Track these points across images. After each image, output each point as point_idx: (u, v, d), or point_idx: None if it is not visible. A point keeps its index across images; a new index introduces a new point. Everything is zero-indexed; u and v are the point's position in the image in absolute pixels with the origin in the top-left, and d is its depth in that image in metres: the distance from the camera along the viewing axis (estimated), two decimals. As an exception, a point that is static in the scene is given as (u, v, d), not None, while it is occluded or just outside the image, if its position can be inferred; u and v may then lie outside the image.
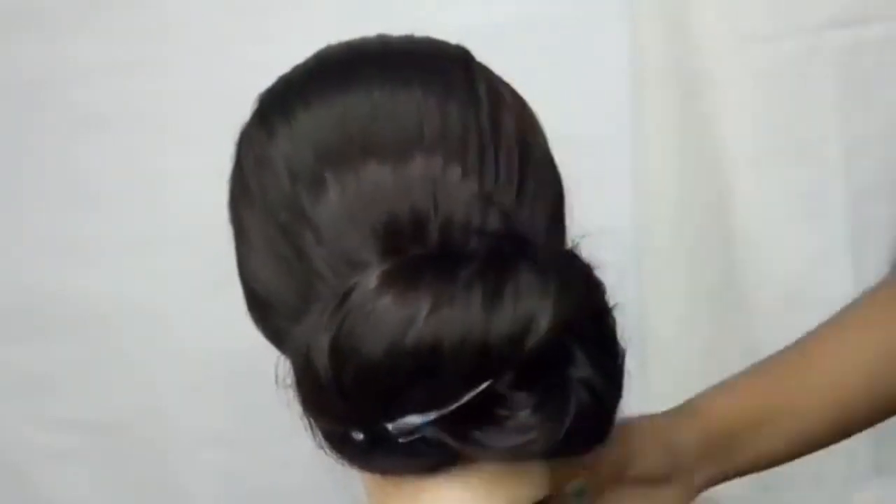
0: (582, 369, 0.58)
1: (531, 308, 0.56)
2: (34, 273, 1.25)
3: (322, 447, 0.61)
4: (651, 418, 0.82)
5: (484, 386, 0.58)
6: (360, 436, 0.60)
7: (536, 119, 0.66)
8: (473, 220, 0.59)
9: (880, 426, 1.17)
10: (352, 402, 0.58)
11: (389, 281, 0.56)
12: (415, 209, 0.59)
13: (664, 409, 0.84)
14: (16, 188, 1.25)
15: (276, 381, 0.61)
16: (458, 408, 0.58)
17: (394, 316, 0.56)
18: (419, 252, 0.58)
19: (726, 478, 0.85)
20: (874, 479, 1.19)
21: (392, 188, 0.59)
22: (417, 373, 0.57)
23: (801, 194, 1.17)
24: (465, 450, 0.59)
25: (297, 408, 0.60)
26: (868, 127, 1.16)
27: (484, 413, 0.58)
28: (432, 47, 0.65)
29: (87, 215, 1.23)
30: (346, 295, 0.57)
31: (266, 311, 0.64)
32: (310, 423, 0.61)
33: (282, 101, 0.64)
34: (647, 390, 1.19)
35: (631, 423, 0.80)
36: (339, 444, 0.61)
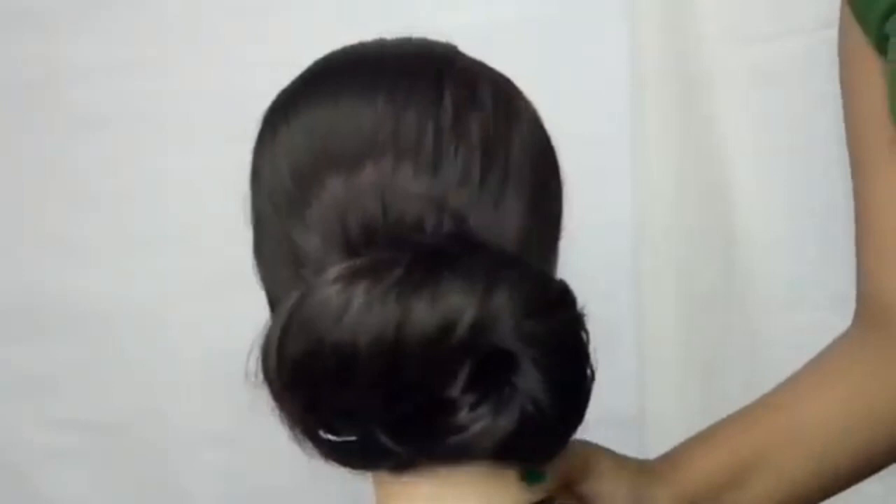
0: (528, 380, 0.58)
1: (451, 308, 0.57)
2: (34, 273, 1.25)
3: (295, 441, 0.62)
4: (625, 457, 0.79)
5: (422, 387, 0.58)
6: (326, 434, 0.60)
7: (527, 117, 0.65)
8: (425, 221, 0.60)
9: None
10: (291, 398, 0.59)
11: (332, 283, 0.58)
12: (365, 215, 0.60)
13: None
14: (16, 188, 1.25)
15: (246, 377, 0.62)
16: (395, 409, 0.58)
17: (326, 315, 0.57)
18: (369, 255, 0.59)
19: None
20: (876, 479, 1.19)
21: (344, 198, 0.60)
22: (345, 370, 0.58)
23: (801, 194, 1.17)
24: (402, 450, 0.59)
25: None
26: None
27: (423, 415, 0.59)
28: (414, 52, 0.66)
29: (87, 215, 1.23)
30: (296, 297, 0.59)
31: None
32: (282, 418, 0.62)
33: (270, 118, 0.66)
34: (645, 390, 1.19)
35: (600, 448, 0.77)
36: (305, 439, 0.61)
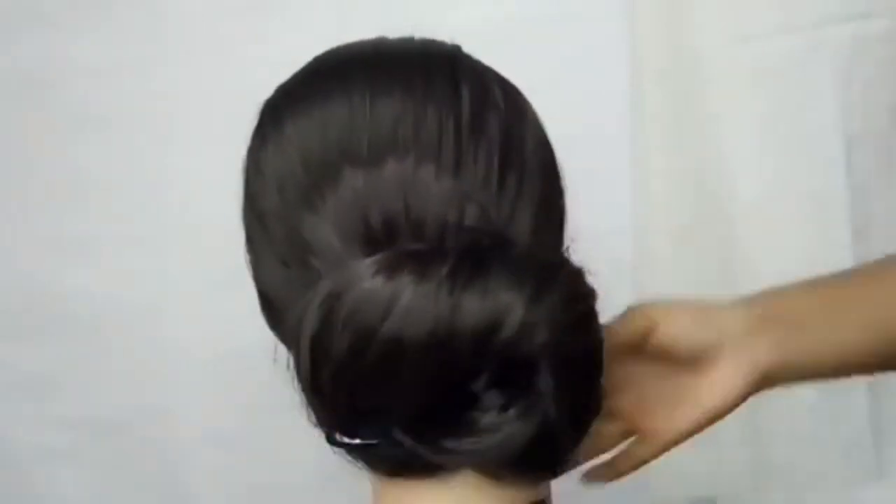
0: (547, 386, 0.58)
1: (501, 304, 0.56)
2: (34, 273, 1.25)
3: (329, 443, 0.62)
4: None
5: (456, 384, 0.58)
6: (343, 438, 0.60)
7: (532, 116, 0.65)
8: (449, 218, 0.59)
9: (882, 427, 1.17)
10: (332, 397, 0.58)
11: (374, 275, 0.57)
12: (386, 211, 0.59)
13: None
14: (16, 188, 1.25)
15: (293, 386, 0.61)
16: (427, 408, 0.58)
17: (373, 307, 0.56)
18: (399, 248, 0.58)
19: (789, 371, 0.72)
20: (875, 480, 1.19)
21: (364, 193, 0.60)
22: (391, 366, 0.57)
23: (800, 193, 1.17)
24: (428, 453, 0.59)
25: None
26: (868, 124, 1.15)
27: (451, 415, 0.58)
28: (422, 50, 0.65)
29: (87, 215, 1.23)
30: (329, 290, 0.57)
31: (275, 313, 0.65)
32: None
33: (274, 110, 0.65)
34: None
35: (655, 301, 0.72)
36: (333, 441, 0.61)
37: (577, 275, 0.60)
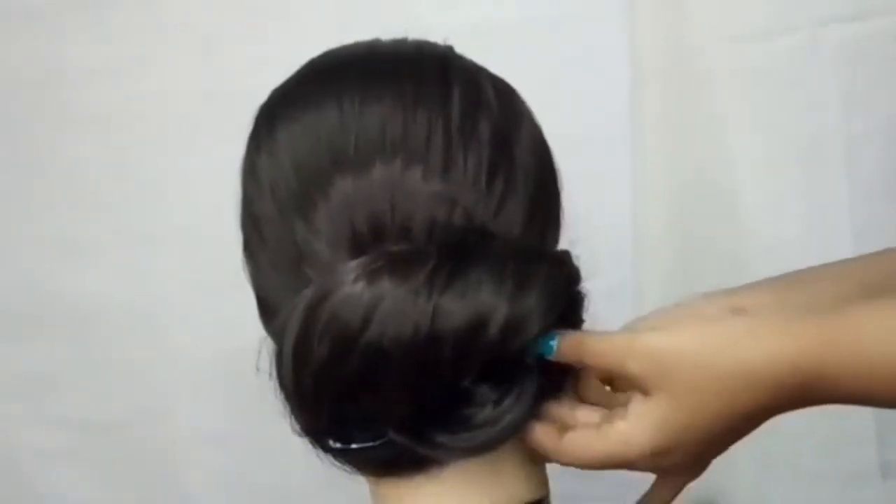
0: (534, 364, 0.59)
1: (482, 304, 0.57)
2: (34, 273, 1.25)
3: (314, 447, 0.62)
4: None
5: (447, 383, 0.58)
6: (335, 444, 0.60)
7: (527, 115, 0.65)
8: (436, 219, 0.59)
9: (884, 428, 1.17)
10: (314, 404, 0.59)
11: (355, 280, 0.57)
12: (374, 214, 0.59)
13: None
14: (16, 188, 1.25)
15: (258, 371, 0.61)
16: (419, 409, 0.58)
17: (354, 312, 0.56)
18: (381, 251, 0.58)
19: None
20: (878, 481, 1.19)
21: (353, 198, 0.60)
22: (374, 370, 0.57)
23: (801, 193, 1.17)
24: (424, 451, 0.59)
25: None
26: (869, 124, 1.15)
27: (446, 413, 0.59)
28: (414, 52, 0.65)
29: (87, 215, 1.23)
30: (313, 295, 0.58)
31: (269, 315, 0.65)
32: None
33: (267, 116, 0.65)
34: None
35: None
36: (318, 447, 0.61)
37: (560, 262, 0.61)
